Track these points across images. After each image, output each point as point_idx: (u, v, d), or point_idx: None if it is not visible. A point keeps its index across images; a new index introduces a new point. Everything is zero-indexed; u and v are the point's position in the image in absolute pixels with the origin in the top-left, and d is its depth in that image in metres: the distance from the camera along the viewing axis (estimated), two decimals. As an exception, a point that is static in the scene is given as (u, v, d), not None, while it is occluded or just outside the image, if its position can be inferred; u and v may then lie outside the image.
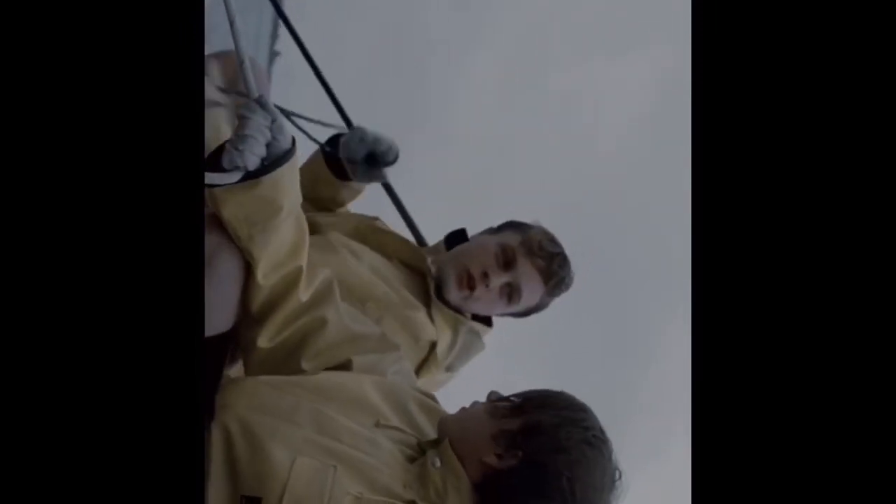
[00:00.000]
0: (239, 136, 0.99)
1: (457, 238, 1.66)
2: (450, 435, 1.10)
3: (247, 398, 1.04)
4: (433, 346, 1.53)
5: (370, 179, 1.64)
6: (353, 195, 1.69)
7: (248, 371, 1.15)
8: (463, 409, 1.15)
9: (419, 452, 1.10)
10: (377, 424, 1.08)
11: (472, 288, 1.51)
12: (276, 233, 1.05)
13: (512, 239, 1.54)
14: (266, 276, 1.07)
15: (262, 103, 1.00)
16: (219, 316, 1.06)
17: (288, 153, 1.02)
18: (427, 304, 1.53)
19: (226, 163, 0.99)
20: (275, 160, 1.00)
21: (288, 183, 1.03)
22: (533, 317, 1.63)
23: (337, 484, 0.99)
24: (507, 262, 1.51)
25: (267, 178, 1.00)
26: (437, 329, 1.53)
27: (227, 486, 0.98)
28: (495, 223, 1.63)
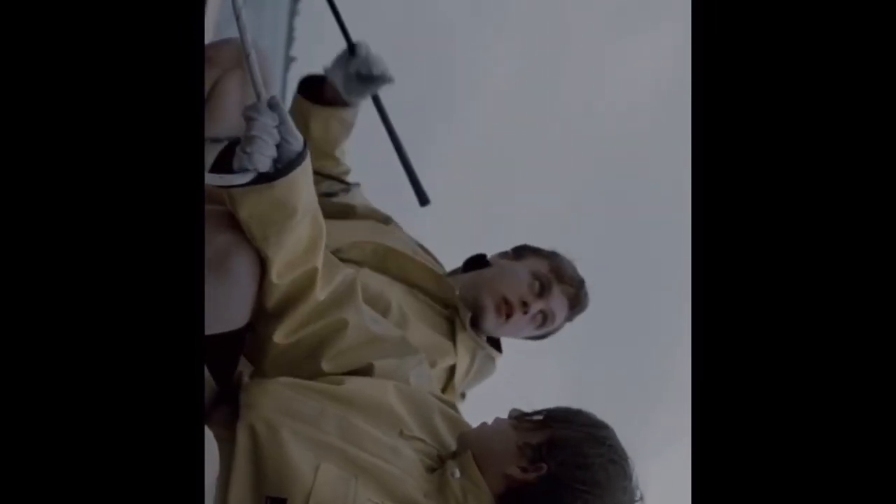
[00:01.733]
0: (246, 138, 0.98)
1: (475, 263, 1.70)
2: (472, 447, 1.10)
3: (272, 400, 1.05)
4: (451, 371, 1.56)
5: (360, 94, 1.63)
6: (345, 129, 1.68)
7: (261, 368, 1.16)
8: (484, 423, 1.16)
9: (439, 463, 1.11)
10: (401, 434, 1.09)
11: (509, 315, 1.57)
12: (291, 234, 1.05)
13: (541, 266, 1.60)
14: (280, 276, 1.07)
15: (271, 104, 0.99)
16: (233, 313, 1.06)
17: (300, 155, 1.01)
18: (449, 334, 1.57)
19: (235, 165, 0.99)
20: (288, 163, 1.00)
21: (302, 184, 1.02)
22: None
23: (359, 493, 0.99)
24: (542, 290, 1.57)
25: (281, 182, 0.99)
26: (458, 357, 1.56)
27: (251, 486, 0.99)
28: (511, 244, 1.69)
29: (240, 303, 1.06)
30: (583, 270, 1.64)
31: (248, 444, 1.01)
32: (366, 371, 1.15)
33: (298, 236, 1.06)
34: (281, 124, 1.00)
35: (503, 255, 1.67)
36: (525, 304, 1.56)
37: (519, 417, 1.14)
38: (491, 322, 1.59)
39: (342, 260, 1.46)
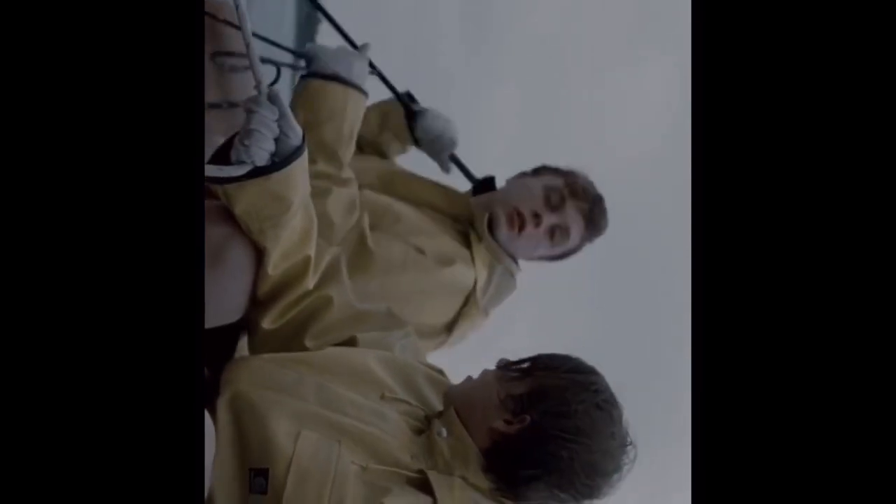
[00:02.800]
0: (245, 131, 0.98)
1: (485, 186, 1.69)
2: (455, 404, 1.08)
3: (249, 373, 1.05)
4: (472, 291, 1.55)
5: (436, 157, 1.68)
6: (400, 152, 1.73)
7: (252, 352, 1.16)
8: (469, 378, 1.14)
9: (427, 425, 1.09)
10: (382, 397, 1.08)
11: (521, 228, 1.55)
12: (286, 227, 1.05)
13: (556, 181, 1.58)
14: (276, 267, 1.08)
15: (270, 97, 0.99)
16: (230, 306, 1.06)
17: (298, 150, 1.01)
18: (468, 246, 1.55)
19: (233, 158, 0.99)
20: (286, 157, 0.99)
21: (299, 178, 1.02)
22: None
23: (343, 456, 0.98)
24: (556, 204, 1.55)
25: (277, 175, 0.99)
26: (477, 272, 1.54)
27: (233, 460, 0.98)
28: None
29: (237, 295, 1.06)
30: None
31: (228, 419, 1.00)
32: (349, 345, 1.14)
33: (293, 228, 1.06)
34: (281, 118, 1.00)
35: (521, 174, 1.65)
36: (537, 217, 1.54)
37: (504, 367, 1.11)
38: (504, 234, 1.56)
39: None
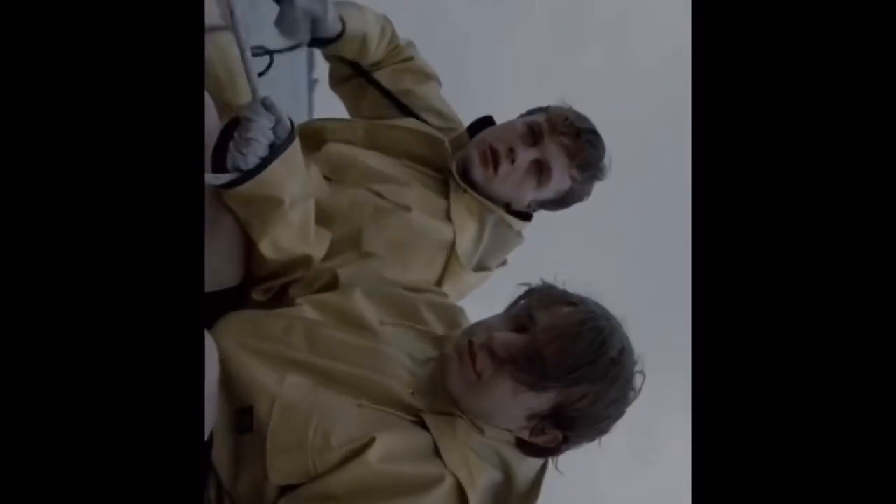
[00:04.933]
0: (243, 139, 1.00)
1: (483, 126, 1.53)
2: (470, 413, 1.02)
3: (238, 324, 1.06)
4: (452, 246, 1.39)
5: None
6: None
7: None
8: (480, 324, 1.07)
9: (434, 347, 1.09)
10: (381, 323, 1.07)
11: (496, 166, 1.40)
12: (278, 224, 1.07)
13: (538, 118, 1.43)
14: (272, 252, 1.10)
15: (266, 104, 1.01)
16: (220, 266, 1.09)
17: (278, 148, 1.02)
18: (446, 197, 1.41)
19: (229, 164, 1.01)
20: (262, 160, 1.01)
21: (282, 177, 1.04)
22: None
23: (332, 394, 0.97)
24: (534, 138, 1.41)
25: (259, 177, 1.01)
26: (455, 225, 1.40)
27: (222, 409, 0.97)
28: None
29: (227, 255, 1.07)
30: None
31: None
32: (332, 284, 1.15)
33: (288, 224, 1.09)
34: (277, 123, 1.02)
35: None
36: (512, 152, 1.39)
37: (514, 367, 1.00)
38: (478, 174, 1.41)
39: (333, 141, 1.42)
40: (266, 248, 1.09)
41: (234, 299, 1.15)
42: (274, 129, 1.02)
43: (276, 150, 1.02)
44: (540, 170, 1.42)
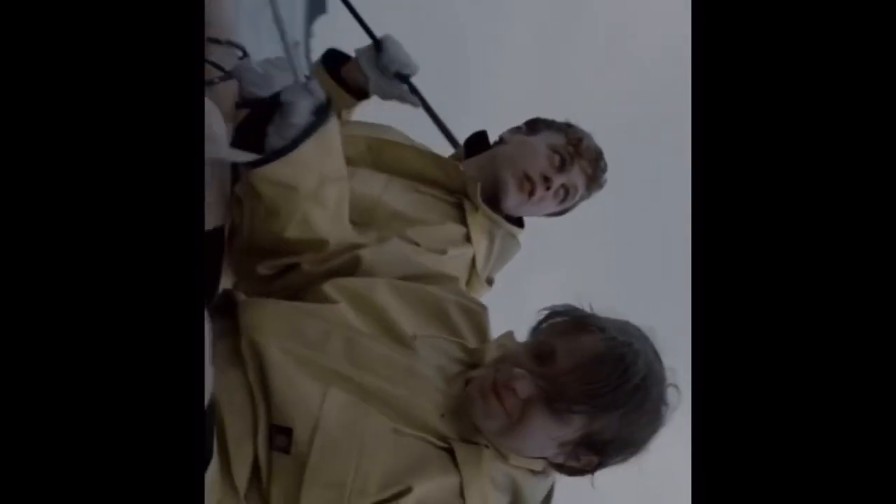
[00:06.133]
0: (285, 124, 0.99)
1: (478, 143, 1.62)
2: (507, 449, 1.03)
3: (272, 321, 1.02)
4: (473, 265, 1.48)
5: (394, 97, 1.59)
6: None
7: (243, 286, 1.17)
8: (504, 360, 1.06)
9: (466, 359, 1.08)
10: (414, 337, 1.06)
11: (532, 193, 1.50)
12: (310, 202, 1.05)
13: (557, 139, 1.53)
14: (300, 232, 1.08)
15: (309, 89, 1.00)
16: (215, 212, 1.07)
17: (310, 127, 1.00)
18: (463, 219, 1.48)
19: (267, 148, 1.00)
20: (272, 152, 1.00)
21: (313, 158, 1.02)
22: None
23: (371, 422, 0.96)
24: (563, 164, 1.51)
25: (289, 157, 1.00)
26: (474, 246, 1.48)
27: (254, 414, 0.95)
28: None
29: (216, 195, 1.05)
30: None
31: (254, 367, 0.98)
32: (352, 265, 1.13)
33: (321, 201, 1.07)
34: (317, 106, 1.01)
35: (515, 130, 1.59)
36: (547, 180, 1.50)
37: (544, 397, 0.99)
38: (513, 200, 1.52)
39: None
40: (295, 227, 1.07)
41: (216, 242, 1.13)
42: (313, 111, 1.00)
43: (308, 129, 1.00)
44: (565, 193, 1.53)
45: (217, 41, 1.08)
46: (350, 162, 1.42)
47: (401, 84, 1.55)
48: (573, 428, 0.99)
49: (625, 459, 1.04)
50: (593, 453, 1.02)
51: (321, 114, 1.01)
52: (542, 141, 1.54)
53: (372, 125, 1.60)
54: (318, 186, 1.04)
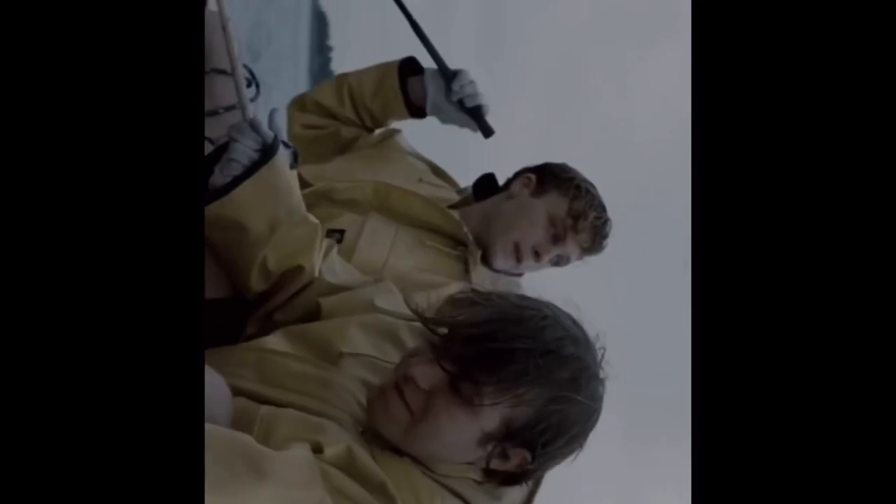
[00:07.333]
0: (226, 160, 1.00)
1: (486, 185, 1.62)
2: (420, 456, 0.93)
3: (223, 366, 0.98)
4: None
5: (460, 124, 1.62)
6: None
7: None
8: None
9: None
10: (341, 354, 1.00)
11: (519, 260, 1.51)
12: (243, 252, 1.05)
13: (559, 208, 1.51)
14: (261, 282, 1.08)
15: (254, 126, 1.00)
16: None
17: (248, 170, 1.00)
18: (464, 274, 1.49)
19: (210, 182, 1.00)
20: (215, 190, 0.99)
21: (254, 199, 1.01)
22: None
23: (272, 425, 0.89)
24: (557, 237, 1.51)
25: (225, 199, 1.00)
26: None
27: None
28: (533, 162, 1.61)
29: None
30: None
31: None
32: (315, 314, 1.09)
33: (276, 244, 1.06)
34: (262, 145, 1.01)
35: (525, 181, 1.56)
36: (538, 254, 1.50)
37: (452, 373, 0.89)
38: (500, 264, 1.52)
39: (341, 201, 1.46)
40: (255, 279, 1.07)
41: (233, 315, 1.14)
42: (258, 151, 1.00)
43: (250, 167, 1.00)
44: (558, 259, 1.54)
45: (223, 72, 1.09)
46: (358, 206, 1.47)
47: (460, 112, 1.57)
48: (488, 418, 0.88)
49: (563, 453, 0.94)
50: (522, 447, 0.91)
51: (266, 152, 1.00)
52: (543, 207, 1.52)
53: (373, 157, 1.62)
54: (270, 230, 1.03)
